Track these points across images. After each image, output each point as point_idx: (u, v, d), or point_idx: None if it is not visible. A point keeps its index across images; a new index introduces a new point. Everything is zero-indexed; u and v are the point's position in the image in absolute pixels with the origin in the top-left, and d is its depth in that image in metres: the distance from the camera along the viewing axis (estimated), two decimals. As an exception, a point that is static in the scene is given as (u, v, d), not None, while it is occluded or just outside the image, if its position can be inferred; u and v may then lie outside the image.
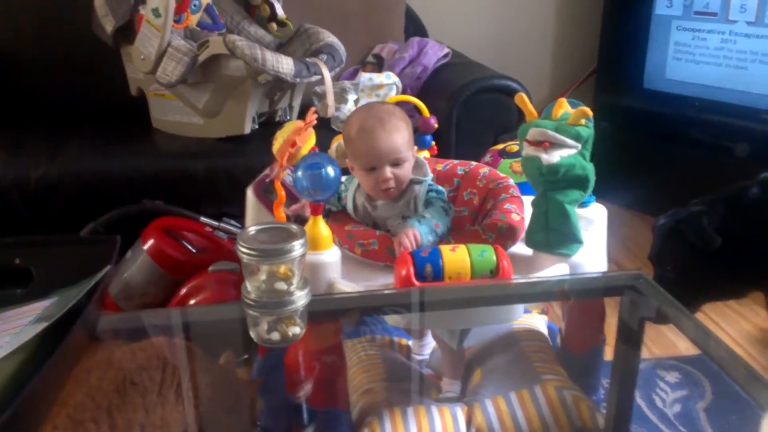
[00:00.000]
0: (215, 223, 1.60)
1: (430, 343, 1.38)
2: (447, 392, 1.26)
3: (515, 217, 1.15)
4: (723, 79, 2.01)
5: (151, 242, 1.55)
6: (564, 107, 1.13)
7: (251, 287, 0.75)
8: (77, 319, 0.71)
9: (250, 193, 1.24)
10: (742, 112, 1.94)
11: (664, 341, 1.53)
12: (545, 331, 1.37)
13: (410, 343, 1.39)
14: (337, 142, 1.32)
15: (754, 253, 1.12)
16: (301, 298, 0.76)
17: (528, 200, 1.16)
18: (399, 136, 1.11)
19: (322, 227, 1.06)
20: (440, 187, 1.18)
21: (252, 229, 0.76)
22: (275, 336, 0.76)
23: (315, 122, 1.14)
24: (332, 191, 1.08)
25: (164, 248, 1.54)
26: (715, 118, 2.01)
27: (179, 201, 1.63)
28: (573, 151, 1.08)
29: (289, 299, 0.75)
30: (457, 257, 1.02)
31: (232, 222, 1.63)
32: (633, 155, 2.16)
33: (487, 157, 1.42)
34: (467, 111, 1.69)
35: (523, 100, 1.11)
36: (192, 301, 1.47)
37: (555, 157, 1.07)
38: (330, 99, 1.72)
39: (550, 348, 1.30)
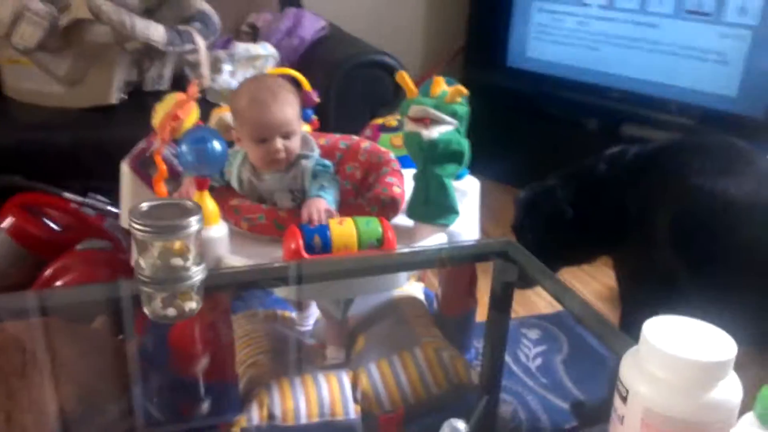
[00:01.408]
0: (80, 199, 1.52)
1: (313, 314, 1.41)
2: (332, 359, 1.30)
3: (396, 189, 1.20)
4: (578, 58, 2.18)
5: (9, 220, 1.45)
6: (441, 86, 1.19)
7: (145, 264, 0.74)
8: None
9: (126, 167, 1.19)
10: (595, 90, 2.11)
11: (525, 301, 1.66)
12: (422, 298, 1.45)
13: (294, 315, 1.41)
14: (218, 115, 1.30)
15: (601, 222, 1.25)
16: (197, 273, 0.76)
17: (408, 173, 1.21)
18: (290, 108, 1.12)
19: (208, 202, 1.06)
20: (327, 162, 1.20)
21: (144, 205, 0.74)
22: (171, 312, 0.75)
23: (198, 95, 1.11)
24: (219, 166, 1.07)
25: (25, 226, 1.45)
26: (570, 95, 2.17)
27: (41, 176, 1.53)
28: (450, 128, 1.14)
29: (186, 275, 0.74)
30: (344, 229, 1.06)
31: (99, 197, 1.56)
32: (498, 131, 2.28)
33: (367, 132, 1.46)
34: (346, 86, 1.72)
35: (403, 77, 1.15)
36: (59, 282, 1.39)
37: (434, 133, 1.13)
38: (205, 70, 1.67)
39: (428, 313, 1.37)
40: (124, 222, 1.23)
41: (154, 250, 0.74)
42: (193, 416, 1.10)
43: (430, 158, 1.16)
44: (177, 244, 0.74)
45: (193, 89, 1.11)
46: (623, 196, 1.19)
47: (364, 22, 2.46)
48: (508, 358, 1.45)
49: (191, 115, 1.08)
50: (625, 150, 1.23)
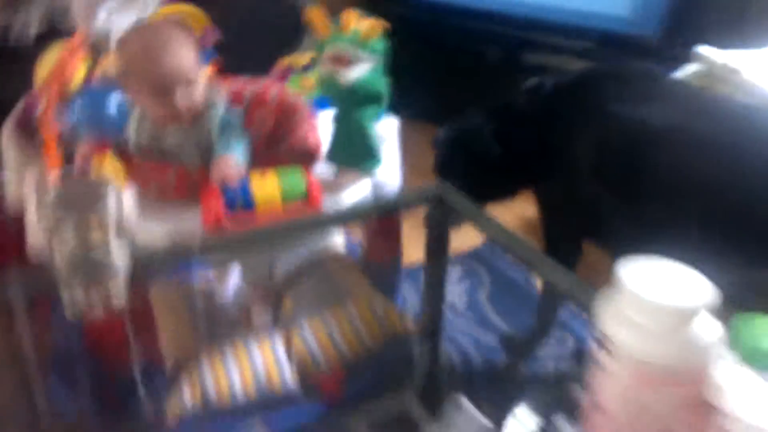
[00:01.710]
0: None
1: (233, 279, 1.34)
2: (260, 322, 1.24)
3: (312, 140, 1.14)
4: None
5: None
6: (354, 21, 1.11)
7: (60, 250, 0.64)
8: None
9: (7, 133, 1.05)
10: (493, 17, 2.09)
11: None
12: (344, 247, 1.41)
13: (212, 281, 1.33)
14: (108, 63, 1.16)
15: (525, 156, 1.24)
16: (121, 256, 0.68)
17: (325, 115, 1.15)
18: (187, 54, 1.03)
19: (110, 168, 0.95)
20: (235, 110, 1.11)
21: (54, 191, 0.65)
22: (95, 302, 0.67)
23: (84, 45, 0.98)
24: (119, 126, 0.96)
25: None
26: (469, 24, 2.13)
27: None
28: (368, 66, 1.08)
29: (108, 259, 0.66)
30: (266, 184, 0.99)
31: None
32: (402, 64, 2.23)
33: (274, 74, 1.36)
34: (248, 21, 1.59)
35: (318, 15, 1.07)
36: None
37: (353, 74, 1.06)
38: (79, 15, 1.48)
39: (354, 264, 1.33)
40: (12, 199, 1.09)
41: (68, 232, 0.64)
42: (124, 409, 1.02)
43: (350, 101, 1.11)
44: (95, 221, 0.65)
45: (80, 38, 0.98)
46: (545, 128, 1.18)
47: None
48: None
49: (80, 70, 0.96)
50: (543, 82, 1.22)
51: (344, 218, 0.97)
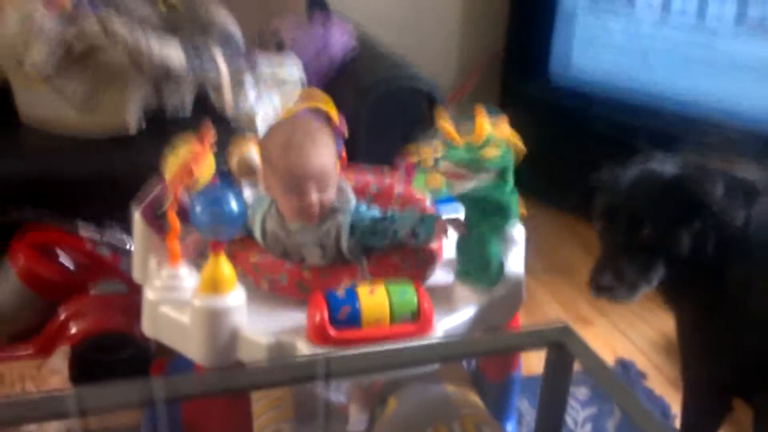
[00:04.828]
0: (97, 237, 1.42)
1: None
2: (354, 424, 1.19)
3: (433, 245, 1.09)
4: (628, 73, 2.01)
5: (19, 261, 1.36)
6: (485, 128, 1.05)
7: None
8: None
9: (138, 217, 1.09)
10: (646, 110, 1.94)
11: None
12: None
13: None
14: (240, 152, 1.18)
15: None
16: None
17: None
18: (328, 156, 1.03)
19: (224, 266, 0.95)
20: (374, 212, 1.08)
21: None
22: None
23: (213, 143, 1.00)
24: (236, 228, 0.96)
25: (36, 269, 1.36)
26: (617, 114, 2.00)
27: (52, 208, 1.44)
28: (488, 178, 1.01)
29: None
30: (375, 301, 0.94)
31: (117, 233, 1.46)
32: (538, 146, 2.14)
33: (401, 169, 1.33)
34: (377, 113, 1.59)
35: (444, 124, 1.02)
36: (73, 330, 1.31)
37: (467, 185, 1.00)
38: (228, 95, 1.56)
39: (467, 375, 1.25)
40: (137, 274, 1.13)
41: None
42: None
43: (469, 210, 1.04)
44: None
45: (208, 136, 0.99)
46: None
47: (396, 26, 2.33)
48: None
49: (206, 169, 0.97)
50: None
51: (454, 352, 0.90)
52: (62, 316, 1.33)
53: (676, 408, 1.30)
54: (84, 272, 1.39)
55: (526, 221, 1.18)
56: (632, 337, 1.59)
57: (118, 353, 1.30)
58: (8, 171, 1.47)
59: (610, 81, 2.07)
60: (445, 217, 1.05)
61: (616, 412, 1.36)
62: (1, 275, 1.35)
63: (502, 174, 1.03)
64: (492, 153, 0.98)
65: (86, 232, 1.43)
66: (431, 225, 1.04)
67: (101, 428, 1.24)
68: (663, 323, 1.56)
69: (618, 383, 0.82)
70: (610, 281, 1.03)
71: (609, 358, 1.50)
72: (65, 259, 1.40)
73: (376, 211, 1.09)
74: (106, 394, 0.76)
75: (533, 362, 1.24)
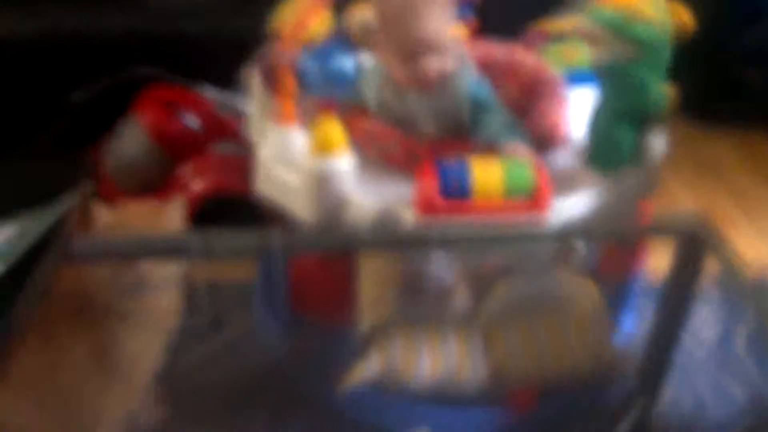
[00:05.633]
0: (219, 98, 1.43)
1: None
2: (459, 306, 1.16)
3: (558, 121, 1.01)
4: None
5: (147, 116, 1.40)
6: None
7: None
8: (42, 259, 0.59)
9: (256, 75, 1.07)
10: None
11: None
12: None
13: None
14: (360, 16, 1.12)
15: None
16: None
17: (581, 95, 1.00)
18: (443, 21, 0.96)
19: (334, 128, 0.91)
20: (484, 84, 1.01)
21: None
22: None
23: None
24: (347, 89, 0.92)
25: (163, 123, 1.40)
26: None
27: (175, 70, 1.45)
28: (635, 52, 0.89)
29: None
30: (489, 173, 0.88)
31: (238, 95, 1.46)
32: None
33: (529, 39, 1.21)
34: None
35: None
36: (195, 187, 1.35)
37: (608, 55, 0.89)
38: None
39: (585, 264, 1.17)
40: (253, 134, 1.12)
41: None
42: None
43: (605, 89, 0.94)
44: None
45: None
46: None
47: None
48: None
49: (321, 25, 0.92)
50: None
51: (571, 236, 0.83)
52: (183, 174, 1.37)
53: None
54: (205, 132, 1.42)
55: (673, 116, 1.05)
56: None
57: (235, 213, 1.34)
58: (133, 30, 1.50)
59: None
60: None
61: (746, 324, 1.23)
62: (129, 129, 1.40)
63: (650, 53, 0.90)
64: (643, 18, 0.85)
65: (208, 93, 1.44)
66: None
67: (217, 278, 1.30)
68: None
69: (757, 288, 0.71)
70: None
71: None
72: (188, 118, 1.42)
73: (489, 94, 1.01)
74: (226, 240, 0.78)
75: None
